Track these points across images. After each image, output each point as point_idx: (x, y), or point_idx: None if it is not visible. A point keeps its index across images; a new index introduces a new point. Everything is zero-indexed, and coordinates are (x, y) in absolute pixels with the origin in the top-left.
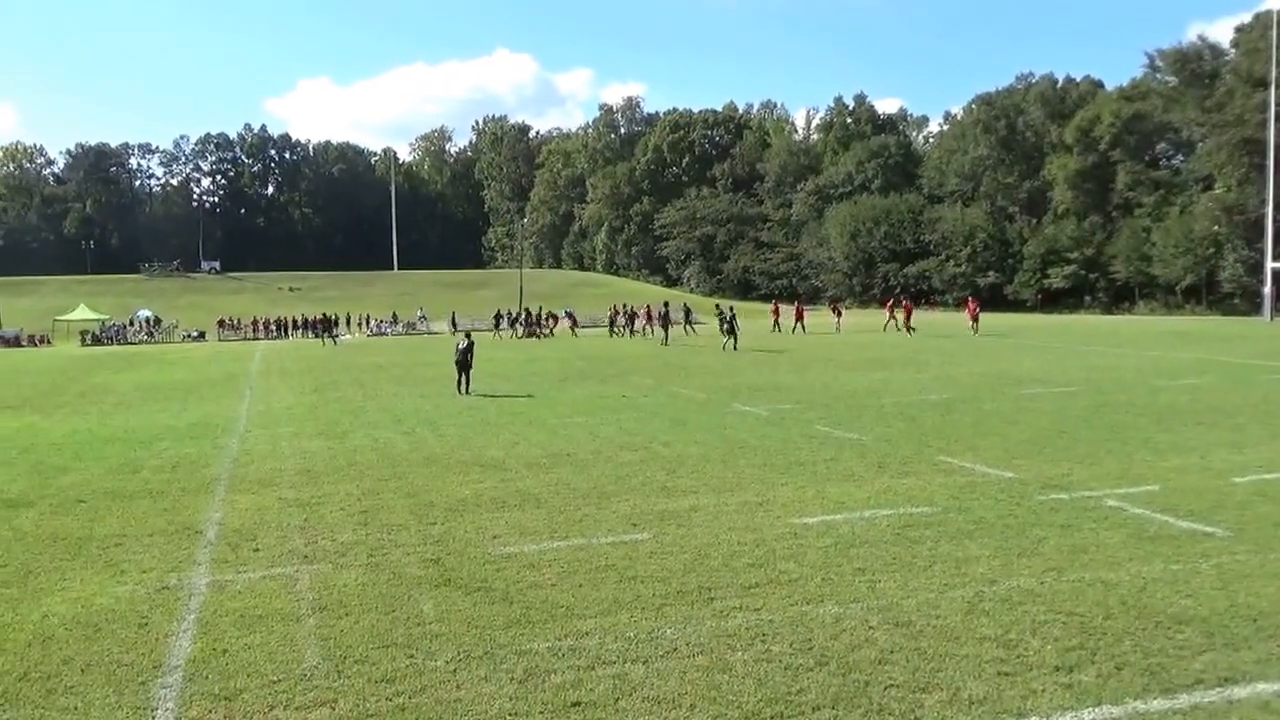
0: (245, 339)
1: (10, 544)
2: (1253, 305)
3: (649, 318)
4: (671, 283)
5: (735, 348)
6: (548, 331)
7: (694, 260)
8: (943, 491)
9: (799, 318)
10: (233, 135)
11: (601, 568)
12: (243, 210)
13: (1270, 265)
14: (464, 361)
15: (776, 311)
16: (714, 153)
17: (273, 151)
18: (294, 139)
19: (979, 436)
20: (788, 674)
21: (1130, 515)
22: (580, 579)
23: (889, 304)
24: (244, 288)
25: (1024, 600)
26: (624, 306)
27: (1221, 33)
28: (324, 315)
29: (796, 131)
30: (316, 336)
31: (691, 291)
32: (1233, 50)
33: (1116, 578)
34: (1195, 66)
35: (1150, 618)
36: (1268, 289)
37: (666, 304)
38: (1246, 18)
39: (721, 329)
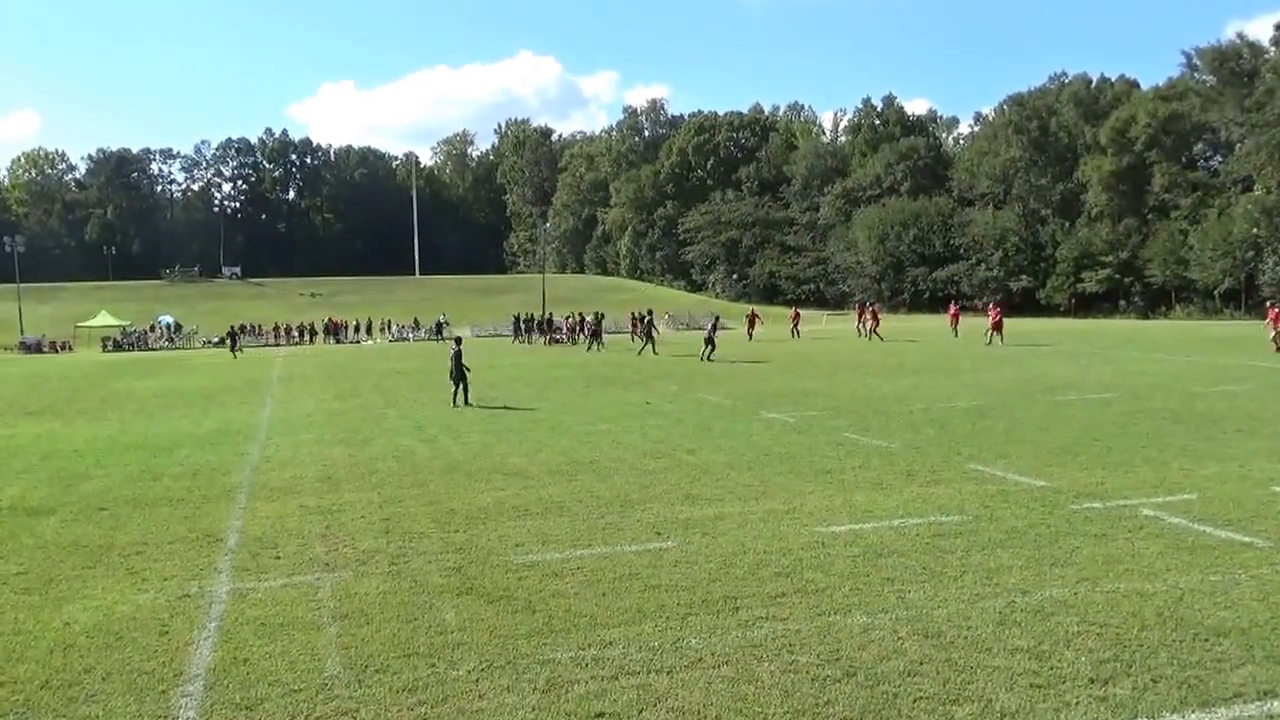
0: (266, 345)
1: (32, 551)
2: None
3: (634, 327)
4: (696, 287)
5: (708, 358)
6: (567, 338)
7: (719, 265)
8: (973, 500)
9: (795, 322)
10: (254, 140)
11: (625, 577)
12: (264, 215)
13: None
14: (459, 372)
15: (751, 320)
16: (739, 155)
17: (294, 156)
18: (315, 144)
19: (1010, 444)
20: (815, 685)
21: (1167, 525)
22: (604, 588)
23: (991, 311)
24: (265, 293)
25: (1057, 611)
26: (578, 314)
27: (1261, 30)
28: (231, 328)
29: (824, 134)
30: (230, 346)
31: (717, 296)
32: (1273, 48)
33: (1152, 588)
34: (1234, 65)
35: (1187, 629)
36: None
37: (651, 311)
38: None
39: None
